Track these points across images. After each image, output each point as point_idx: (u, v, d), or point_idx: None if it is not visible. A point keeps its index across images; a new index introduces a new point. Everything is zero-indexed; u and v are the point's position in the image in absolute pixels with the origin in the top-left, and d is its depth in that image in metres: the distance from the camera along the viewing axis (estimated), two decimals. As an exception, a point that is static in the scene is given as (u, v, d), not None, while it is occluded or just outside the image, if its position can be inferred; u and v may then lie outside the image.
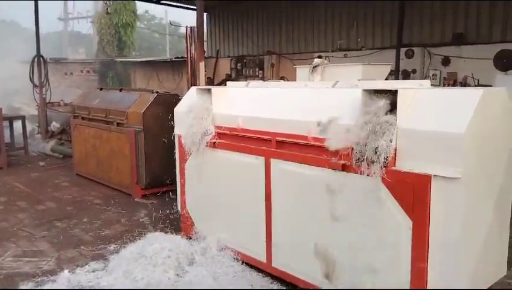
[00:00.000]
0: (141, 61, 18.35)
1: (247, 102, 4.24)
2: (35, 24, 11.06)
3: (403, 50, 9.89)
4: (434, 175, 2.79)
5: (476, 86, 8.51)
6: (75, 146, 8.24)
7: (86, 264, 4.29)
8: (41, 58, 11.18)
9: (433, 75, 9.56)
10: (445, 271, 2.84)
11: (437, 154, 2.79)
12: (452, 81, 9.21)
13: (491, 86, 7.77)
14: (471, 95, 2.87)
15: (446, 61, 9.46)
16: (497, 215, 3.20)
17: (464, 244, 2.86)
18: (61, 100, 12.55)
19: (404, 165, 2.94)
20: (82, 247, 4.83)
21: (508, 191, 3.35)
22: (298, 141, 3.58)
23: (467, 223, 2.86)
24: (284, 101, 3.91)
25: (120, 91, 7.68)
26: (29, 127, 10.81)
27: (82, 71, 19.03)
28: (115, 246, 4.80)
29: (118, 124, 6.89)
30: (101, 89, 8.46)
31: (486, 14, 8.96)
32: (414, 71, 9.91)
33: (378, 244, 3.09)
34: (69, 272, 4.07)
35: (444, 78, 9.45)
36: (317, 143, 3.41)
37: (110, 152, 7.13)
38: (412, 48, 9.93)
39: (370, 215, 3.10)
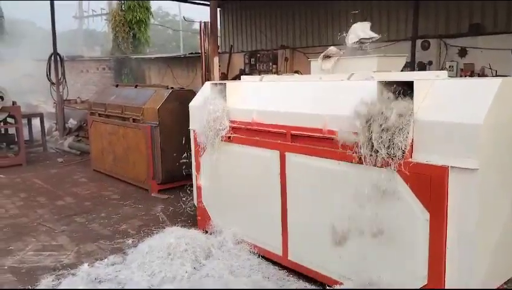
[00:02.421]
0: (155, 58, 18.45)
1: (261, 96, 4.24)
2: (52, 22, 11.20)
3: (418, 42, 9.75)
4: (451, 167, 2.76)
5: (494, 76, 8.36)
6: (92, 142, 8.36)
7: (105, 258, 4.36)
8: (58, 56, 11.34)
9: (449, 66, 9.41)
10: (463, 263, 2.82)
11: (454, 145, 2.76)
12: (469, 72, 9.04)
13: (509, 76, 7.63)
14: (488, 85, 2.83)
15: (463, 52, 9.30)
16: (516, 207, 3.15)
17: (481, 237, 2.83)
18: (78, 97, 12.73)
19: (421, 157, 2.92)
20: (100, 241, 4.91)
21: (527, 183, 3.29)
22: (313, 134, 3.58)
23: (485, 215, 2.83)
24: (298, 94, 3.90)
25: (135, 87, 7.75)
26: (47, 125, 10.99)
27: (98, 68, 19.22)
28: (133, 240, 4.86)
29: (133, 120, 6.97)
30: (116, 86, 8.55)
31: (504, 3, 8.77)
32: (430, 63, 9.77)
33: (395, 237, 3.08)
34: (88, 265, 4.14)
35: (461, 69, 9.29)
36: (332, 136, 3.40)
37: (126, 148, 7.21)
38: (428, 40, 9.78)
39: (387, 208, 3.09)
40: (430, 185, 2.86)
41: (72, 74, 16.50)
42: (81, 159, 9.37)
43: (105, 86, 10.73)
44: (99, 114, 7.99)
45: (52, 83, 11.40)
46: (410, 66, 9.32)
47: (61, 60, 11.47)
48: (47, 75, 11.38)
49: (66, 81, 11.53)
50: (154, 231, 4.89)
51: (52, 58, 11.31)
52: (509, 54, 8.39)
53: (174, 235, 4.21)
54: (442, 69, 9.35)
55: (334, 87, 3.69)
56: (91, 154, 8.49)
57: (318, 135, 3.53)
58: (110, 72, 19.28)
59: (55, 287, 3.82)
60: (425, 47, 9.84)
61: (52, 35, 11.27)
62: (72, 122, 11.32)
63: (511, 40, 8.38)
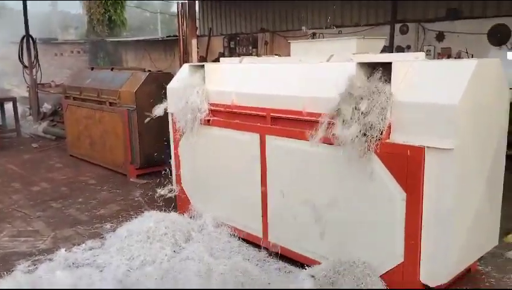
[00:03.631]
0: (132, 41, 18.10)
1: (241, 78, 4.20)
2: (23, 3, 10.81)
3: (397, 26, 9.81)
4: (428, 147, 2.81)
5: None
6: (68, 127, 8.18)
7: (83, 243, 4.31)
8: (30, 39, 10.98)
9: (427, 50, 9.50)
10: (438, 241, 2.88)
11: (431, 126, 2.80)
12: (446, 56, 9.16)
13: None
14: (465, 66, 2.86)
15: (440, 36, 9.40)
16: (489, 186, 3.24)
17: (457, 215, 2.90)
18: (52, 81, 12.40)
19: (399, 137, 2.95)
20: (78, 226, 4.84)
21: (500, 163, 3.38)
22: (293, 116, 3.57)
23: (460, 194, 2.89)
24: (278, 76, 3.88)
25: (111, 70, 7.58)
26: (20, 109, 10.68)
27: (72, 52, 18.74)
28: (111, 225, 4.81)
29: (110, 103, 6.83)
30: (92, 69, 8.35)
31: (480, -12, 8.87)
32: (408, 47, 9.85)
33: (372, 216, 3.12)
34: (65, 250, 4.08)
35: (438, 53, 9.41)
36: (312, 118, 3.40)
37: (103, 132, 7.08)
38: (407, 24, 9.85)
39: (364, 189, 3.12)
40: (406, 166, 2.90)
41: (46, 57, 16.04)
42: (57, 144, 9.18)
43: (81, 69, 10.44)
44: (74, 98, 7.80)
45: (25, 66, 11.06)
46: (388, 50, 9.37)
47: (34, 42, 11.10)
48: (19, 58, 11.02)
49: (39, 65, 11.19)
50: (132, 216, 4.84)
51: (24, 40, 10.94)
52: (485, 38, 8.53)
53: (153, 219, 4.18)
54: (419, 53, 9.45)
55: (314, 69, 3.67)
56: (67, 139, 8.32)
57: (298, 117, 3.52)
58: (86, 55, 18.85)
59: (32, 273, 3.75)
60: (404, 31, 9.91)
61: (24, 17, 10.89)
62: (46, 107, 11.04)
63: (487, 25, 8.51)
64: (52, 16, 27.53)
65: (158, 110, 4.76)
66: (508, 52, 8.21)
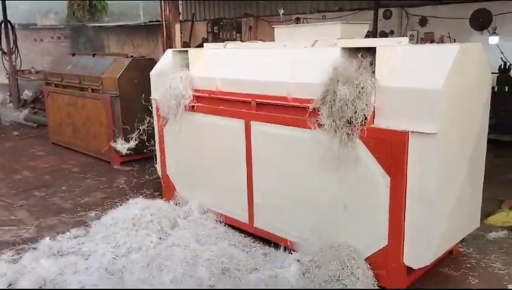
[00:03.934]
0: (114, 26, 17.73)
1: (225, 64, 4.17)
2: (0, -13, 10.51)
3: (380, 11, 9.80)
4: (411, 131, 2.83)
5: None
6: (49, 114, 8.03)
7: (67, 231, 4.27)
8: (8, 24, 10.68)
9: (410, 35, 9.54)
10: (421, 225, 2.93)
11: (414, 110, 2.82)
12: (429, 41, 9.21)
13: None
14: (448, 51, 2.88)
15: (423, 21, 9.44)
16: (471, 169, 3.29)
17: (440, 198, 2.94)
18: (32, 67, 12.13)
19: (383, 122, 2.97)
20: (62, 215, 4.79)
21: (482, 146, 3.44)
22: (278, 102, 3.56)
23: (443, 177, 2.93)
24: (263, 62, 3.85)
25: (93, 56, 7.44)
26: (0, 97, 10.45)
27: (52, 37, 18.29)
28: (96, 212, 4.78)
29: (92, 90, 6.72)
30: (73, 55, 8.17)
31: (463, -28, 8.90)
32: (392, 32, 9.88)
33: (357, 201, 3.16)
34: (49, 239, 4.04)
35: (421, 38, 9.46)
36: (296, 104, 3.40)
37: (86, 119, 6.98)
38: (390, 9, 9.86)
39: (349, 174, 3.15)
40: (390, 150, 2.93)
41: (26, 43, 15.64)
42: (38, 132, 9.02)
43: (61, 54, 10.21)
44: (55, 84, 7.65)
45: (4, 53, 10.78)
46: (372, 35, 9.37)
47: (13, 28, 10.81)
48: (-3, 44, 10.74)
49: (18, 51, 10.91)
50: (117, 203, 4.81)
51: (3, 26, 10.64)
52: (467, 23, 8.60)
53: (138, 207, 4.16)
54: (403, 38, 9.48)
55: (299, 55, 3.66)
56: (48, 126, 8.17)
57: (283, 103, 3.52)
58: (66, 41, 18.42)
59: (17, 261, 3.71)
60: (387, 16, 9.92)
61: (1, 1, 10.58)
62: (27, 94, 10.82)
63: (469, 9, 8.57)
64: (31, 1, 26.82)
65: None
66: (489, 37, 8.29)
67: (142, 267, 3.46)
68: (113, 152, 6.44)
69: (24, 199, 5.30)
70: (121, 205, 4.53)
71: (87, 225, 4.39)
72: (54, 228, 4.46)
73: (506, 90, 7.37)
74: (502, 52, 7.82)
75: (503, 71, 7.49)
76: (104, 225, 4.12)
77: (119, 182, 5.81)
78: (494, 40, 8.23)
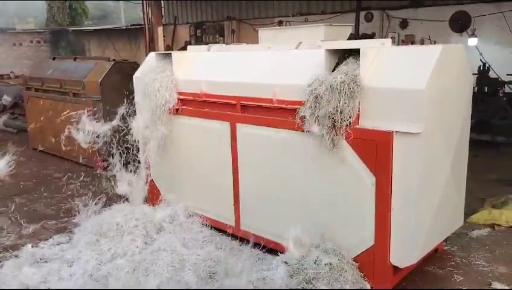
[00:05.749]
0: (95, 30, 17.57)
1: (210, 66, 4.15)
2: (-23, -10, 10.30)
3: (362, 14, 9.92)
4: (396, 131, 2.86)
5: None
6: (30, 119, 7.87)
7: (50, 238, 4.19)
8: (-15, 28, 10.48)
9: (391, 38, 9.66)
10: (407, 224, 2.95)
11: (399, 111, 2.85)
12: (410, 43, 9.36)
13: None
14: (431, 51, 2.92)
15: (404, 24, 9.60)
16: (454, 169, 3.34)
17: (425, 198, 2.98)
18: (11, 72, 11.91)
19: (368, 123, 2.99)
20: (44, 221, 4.69)
21: (465, 146, 3.49)
22: (263, 104, 3.56)
23: (427, 177, 2.97)
24: (247, 64, 3.85)
25: (74, 60, 7.33)
26: (-22, 102, 10.23)
27: (32, 42, 18.01)
28: (79, 218, 4.67)
29: (74, 94, 6.62)
30: (54, 59, 8.05)
31: (442, -24, 9.07)
32: (374, 34, 10.00)
33: (343, 201, 3.17)
34: (32, 246, 3.96)
35: (402, 40, 9.60)
36: (281, 106, 3.40)
37: (67, 124, 6.85)
38: (371, 11, 9.98)
39: (335, 174, 3.16)
40: (376, 150, 2.95)
41: (4, 47, 15.39)
42: (19, 138, 8.83)
43: (41, 59, 10.05)
44: (36, 89, 7.51)
45: (-19, 57, 10.58)
46: (354, 37, 9.47)
47: (-10, 31, 10.62)
48: (-26, 48, 10.52)
49: (-4, 55, 10.72)
50: (101, 209, 4.71)
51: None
52: (447, 25, 8.76)
53: (123, 212, 4.10)
54: (385, 41, 9.60)
55: (283, 57, 3.67)
56: (29, 132, 8.01)
57: (268, 104, 3.52)
58: (46, 45, 18.17)
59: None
60: (369, 19, 10.05)
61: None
62: (6, 99, 10.59)
63: (448, 12, 8.73)
64: (9, 4, 26.34)
65: None
66: (468, 39, 8.46)
67: (127, 272, 3.41)
68: (96, 157, 6.35)
69: (5, 205, 5.18)
70: (104, 210, 4.45)
71: (71, 231, 4.32)
72: (36, 235, 4.37)
73: (486, 90, 7.53)
74: (480, 54, 7.99)
75: (482, 72, 7.65)
76: (88, 230, 4.05)
77: (102, 188, 5.72)
78: (473, 41, 8.41)
